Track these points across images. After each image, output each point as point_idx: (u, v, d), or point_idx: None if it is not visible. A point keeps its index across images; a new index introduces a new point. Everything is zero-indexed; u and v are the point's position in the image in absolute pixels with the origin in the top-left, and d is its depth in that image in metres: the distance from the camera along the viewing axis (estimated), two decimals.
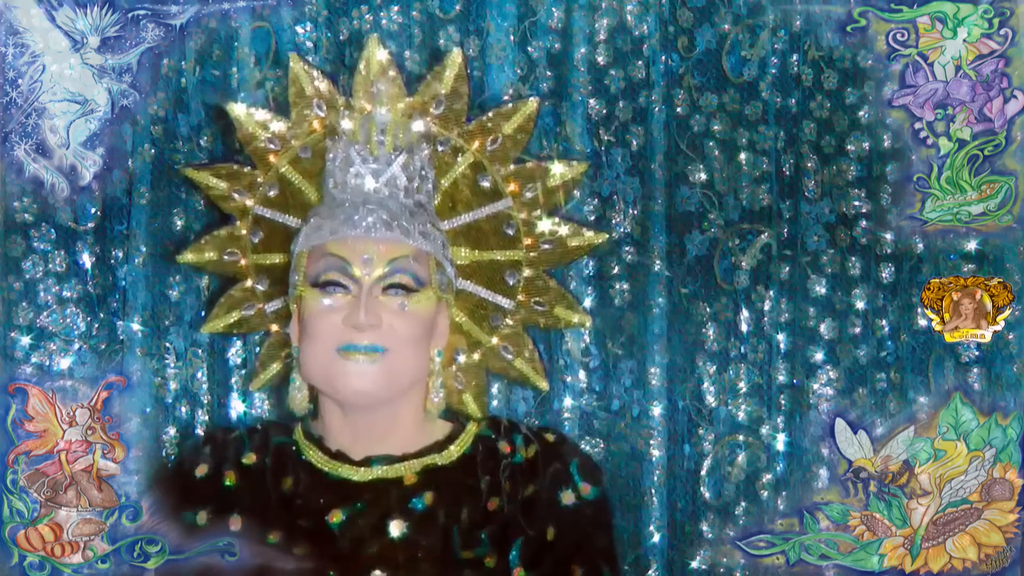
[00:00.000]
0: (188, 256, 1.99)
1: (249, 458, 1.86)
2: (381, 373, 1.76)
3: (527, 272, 1.97)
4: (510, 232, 1.95)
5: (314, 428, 1.89)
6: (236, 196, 1.96)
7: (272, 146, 1.94)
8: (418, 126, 1.89)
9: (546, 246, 1.96)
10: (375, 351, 1.75)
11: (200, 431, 2.08)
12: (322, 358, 1.77)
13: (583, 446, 2.08)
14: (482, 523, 1.79)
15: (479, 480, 1.82)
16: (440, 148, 1.92)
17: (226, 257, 1.98)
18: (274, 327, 2.01)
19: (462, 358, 1.98)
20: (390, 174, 1.85)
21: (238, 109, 1.95)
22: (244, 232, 1.97)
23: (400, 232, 1.79)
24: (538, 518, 1.81)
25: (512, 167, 1.94)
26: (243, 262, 1.99)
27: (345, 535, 1.78)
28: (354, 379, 1.75)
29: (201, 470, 1.86)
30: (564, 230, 1.96)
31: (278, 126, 1.93)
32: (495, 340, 1.99)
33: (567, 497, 1.82)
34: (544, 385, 2.01)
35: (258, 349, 2.10)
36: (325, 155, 1.89)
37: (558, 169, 1.94)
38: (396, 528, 1.78)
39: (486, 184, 1.93)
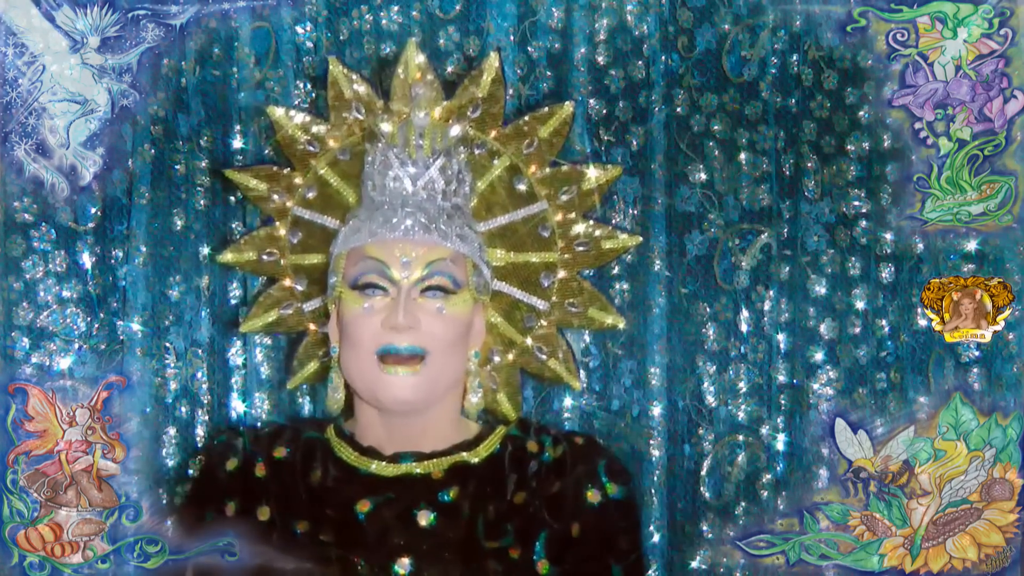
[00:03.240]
0: (227, 256, 2.01)
1: (279, 452, 1.87)
2: (422, 382, 1.78)
3: (561, 274, 1.99)
4: (545, 234, 1.97)
5: (347, 427, 1.91)
6: (275, 197, 1.98)
7: (312, 148, 1.97)
8: (455, 130, 1.91)
9: (580, 248, 1.98)
10: (414, 352, 1.77)
11: (222, 430, 2.05)
12: (363, 363, 1.79)
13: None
14: (508, 516, 1.80)
15: (506, 476, 1.83)
16: (476, 151, 1.94)
17: (265, 257, 2.00)
18: (311, 326, 2.02)
19: (497, 358, 2.00)
20: (428, 177, 1.86)
21: (278, 112, 1.97)
22: (283, 233, 2.00)
23: (438, 235, 1.81)
24: (564, 514, 1.81)
25: (547, 170, 1.97)
26: (282, 262, 2.01)
27: (372, 524, 1.79)
28: (395, 390, 1.77)
29: (231, 464, 1.87)
30: (598, 232, 1.98)
31: (318, 128, 1.96)
32: (529, 341, 2.00)
33: (593, 496, 1.82)
34: (577, 384, 2.03)
35: (259, 350, 2.11)
36: (364, 158, 1.91)
37: (593, 172, 1.97)
38: (423, 518, 1.79)
39: (522, 187, 1.96)
